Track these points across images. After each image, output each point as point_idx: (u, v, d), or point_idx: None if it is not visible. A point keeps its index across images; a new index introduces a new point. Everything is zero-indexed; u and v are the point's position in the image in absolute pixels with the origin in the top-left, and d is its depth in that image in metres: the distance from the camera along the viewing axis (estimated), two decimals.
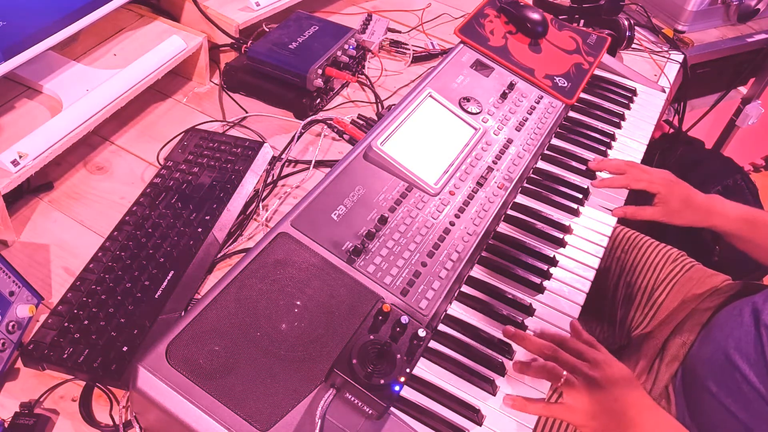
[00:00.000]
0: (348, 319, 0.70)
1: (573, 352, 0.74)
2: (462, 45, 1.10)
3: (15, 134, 0.90)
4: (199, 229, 0.87)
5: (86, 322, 0.75)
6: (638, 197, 1.02)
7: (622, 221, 1.02)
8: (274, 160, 1.01)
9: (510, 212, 0.95)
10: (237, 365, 0.64)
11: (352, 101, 1.19)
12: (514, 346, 0.78)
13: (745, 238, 0.97)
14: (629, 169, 1.01)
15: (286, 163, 1.03)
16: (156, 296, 0.79)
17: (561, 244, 0.92)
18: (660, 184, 0.98)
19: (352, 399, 0.65)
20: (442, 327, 0.79)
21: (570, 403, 0.72)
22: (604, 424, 0.71)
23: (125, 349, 0.73)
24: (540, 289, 0.85)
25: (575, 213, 0.97)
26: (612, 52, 1.31)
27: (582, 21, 1.33)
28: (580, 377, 0.72)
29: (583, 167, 1.04)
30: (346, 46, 1.16)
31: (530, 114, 1.05)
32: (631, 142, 1.13)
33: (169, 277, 0.81)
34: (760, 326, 0.81)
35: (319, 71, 1.10)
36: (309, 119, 1.06)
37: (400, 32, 1.37)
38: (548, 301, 0.85)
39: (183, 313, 0.78)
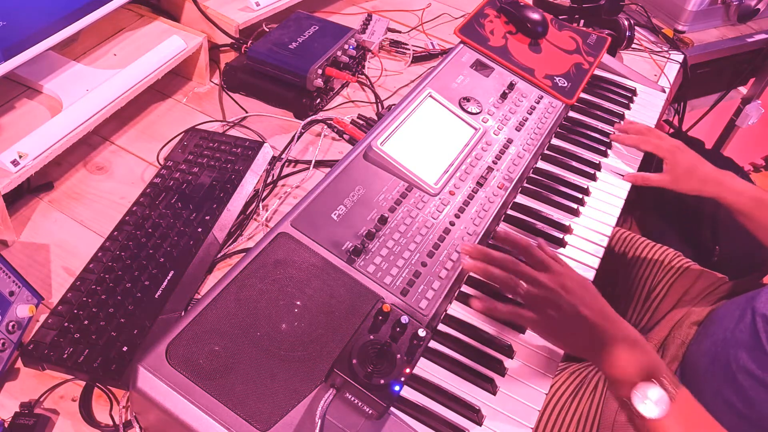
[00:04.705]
0: (348, 319, 0.70)
1: (535, 262, 0.75)
2: (462, 45, 1.10)
3: (15, 134, 0.90)
4: (199, 229, 0.87)
5: (86, 322, 0.75)
6: (639, 194, 1.03)
7: (621, 222, 1.02)
8: (274, 160, 1.01)
9: (510, 212, 0.95)
10: (237, 365, 0.64)
11: (352, 101, 1.19)
12: (514, 346, 0.78)
13: (749, 215, 0.99)
14: (645, 132, 1.08)
15: (286, 163, 1.03)
16: (156, 296, 0.79)
17: (561, 244, 0.92)
18: (667, 149, 1.03)
19: (352, 399, 0.65)
20: (442, 327, 0.79)
21: (533, 315, 0.72)
22: (570, 336, 0.72)
23: (125, 349, 0.73)
24: None
25: (575, 213, 0.97)
26: (612, 52, 1.31)
27: (582, 21, 1.33)
28: (539, 288, 0.72)
29: (583, 167, 1.04)
30: (346, 46, 1.16)
31: (530, 114, 1.05)
32: None
33: (169, 277, 0.81)
34: (756, 316, 0.82)
35: (319, 71, 1.10)
36: (309, 119, 1.06)
37: (400, 32, 1.37)
38: None
39: (183, 313, 0.78)
